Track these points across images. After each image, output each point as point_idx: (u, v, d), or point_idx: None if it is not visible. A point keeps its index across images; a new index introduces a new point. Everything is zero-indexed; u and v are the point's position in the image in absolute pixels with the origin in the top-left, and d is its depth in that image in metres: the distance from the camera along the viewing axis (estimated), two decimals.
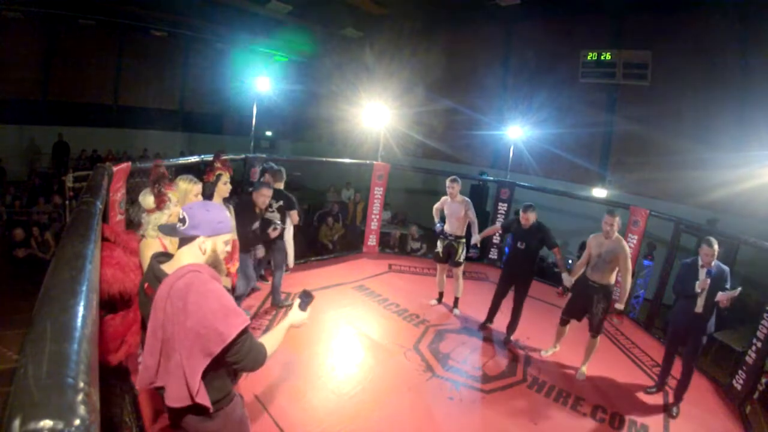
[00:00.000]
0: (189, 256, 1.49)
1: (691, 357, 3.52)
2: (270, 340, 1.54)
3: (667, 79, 7.95)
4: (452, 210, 4.64)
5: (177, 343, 1.36)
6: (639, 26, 8.28)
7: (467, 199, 4.62)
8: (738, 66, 7.12)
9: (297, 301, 1.69)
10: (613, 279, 3.76)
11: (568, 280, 3.92)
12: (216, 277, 1.48)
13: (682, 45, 7.61)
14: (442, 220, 4.79)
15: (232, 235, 3.10)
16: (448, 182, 4.57)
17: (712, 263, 3.39)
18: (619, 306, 3.72)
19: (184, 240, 1.50)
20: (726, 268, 3.42)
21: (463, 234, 4.71)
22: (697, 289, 3.37)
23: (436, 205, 4.85)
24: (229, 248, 1.59)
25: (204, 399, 1.38)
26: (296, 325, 1.67)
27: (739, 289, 3.30)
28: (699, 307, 3.41)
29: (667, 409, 3.56)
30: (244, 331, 1.40)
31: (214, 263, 1.53)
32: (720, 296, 3.30)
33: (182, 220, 1.48)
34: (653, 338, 5.03)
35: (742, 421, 3.60)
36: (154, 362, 1.41)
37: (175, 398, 1.38)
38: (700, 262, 3.45)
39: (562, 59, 9.23)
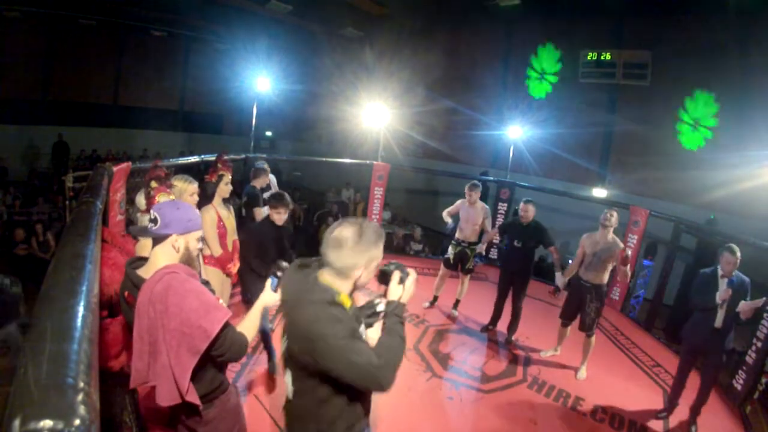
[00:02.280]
0: (163, 256, 1.50)
1: (711, 376, 3.28)
2: (247, 327, 1.54)
3: (667, 79, 7.95)
4: (469, 215, 4.53)
5: (163, 345, 1.38)
6: (639, 26, 8.27)
7: (487, 207, 4.56)
8: (738, 66, 7.11)
9: (269, 282, 1.65)
10: (606, 279, 3.76)
11: (561, 280, 3.92)
12: (192, 273, 1.49)
13: (682, 45, 7.60)
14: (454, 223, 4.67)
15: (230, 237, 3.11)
16: (467, 188, 4.48)
17: (733, 273, 3.11)
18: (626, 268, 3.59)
19: (157, 240, 1.52)
20: (747, 278, 3.16)
21: (477, 240, 4.61)
22: (718, 301, 3.09)
23: (449, 209, 4.68)
24: (200, 245, 1.59)
25: (193, 397, 1.40)
26: (269, 307, 1.67)
27: (764, 299, 3.03)
28: (718, 321, 3.12)
29: (664, 411, 3.53)
30: (226, 324, 1.42)
31: (188, 261, 1.54)
32: (742, 306, 3.03)
33: (153, 220, 1.49)
34: (653, 338, 5.02)
35: (742, 421, 3.60)
36: (143, 365, 1.44)
37: (165, 398, 1.40)
38: (719, 272, 3.16)
39: (562, 59, 9.23)
